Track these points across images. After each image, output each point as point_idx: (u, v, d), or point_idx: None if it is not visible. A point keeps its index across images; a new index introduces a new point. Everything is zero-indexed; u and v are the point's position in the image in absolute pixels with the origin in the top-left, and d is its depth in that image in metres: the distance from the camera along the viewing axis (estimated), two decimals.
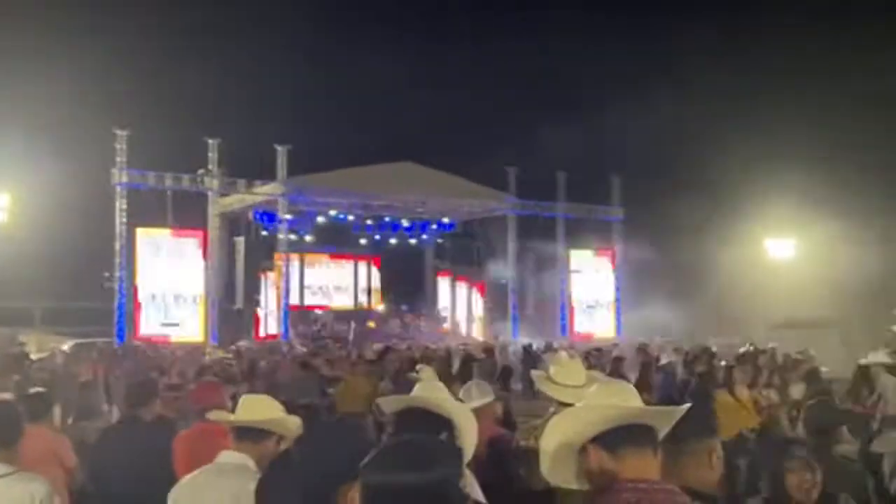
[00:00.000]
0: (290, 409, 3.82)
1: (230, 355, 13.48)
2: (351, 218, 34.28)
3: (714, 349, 16.62)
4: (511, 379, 16.97)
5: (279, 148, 29.05)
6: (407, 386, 4.34)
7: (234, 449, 3.52)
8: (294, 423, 3.62)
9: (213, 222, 28.46)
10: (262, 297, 32.64)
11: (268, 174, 29.40)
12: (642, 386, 10.27)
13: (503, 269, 34.42)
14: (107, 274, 32.43)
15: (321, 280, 36.92)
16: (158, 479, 4.85)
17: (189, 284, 27.93)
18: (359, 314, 34.73)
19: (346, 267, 37.86)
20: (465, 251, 37.46)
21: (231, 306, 31.88)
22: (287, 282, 30.20)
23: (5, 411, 4.25)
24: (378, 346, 21.22)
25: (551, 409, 4.49)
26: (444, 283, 38.12)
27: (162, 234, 27.94)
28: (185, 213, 28.14)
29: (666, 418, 2.39)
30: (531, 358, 20.62)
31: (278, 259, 30.27)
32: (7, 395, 8.22)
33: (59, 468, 5.21)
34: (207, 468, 3.54)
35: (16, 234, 29.10)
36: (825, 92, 36.48)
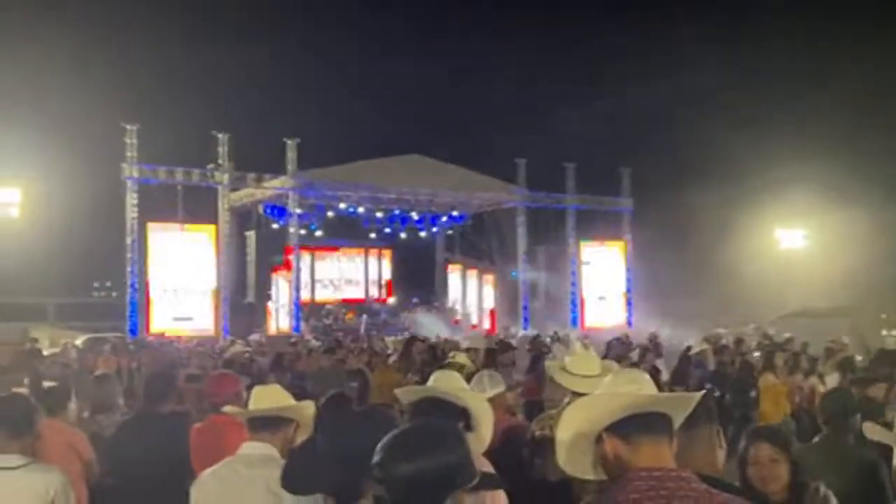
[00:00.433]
0: (321, 399, 3.84)
1: (250, 348, 13.54)
2: (361, 211, 34.28)
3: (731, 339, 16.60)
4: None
5: (289, 142, 29.11)
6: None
7: (252, 440, 3.54)
8: (308, 409, 3.65)
9: (224, 216, 28.52)
10: (273, 291, 32.72)
11: (278, 168, 29.47)
12: (678, 378, 10.17)
13: (513, 261, 34.43)
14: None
15: (332, 273, 36.96)
16: (176, 472, 4.90)
17: (200, 279, 28.01)
18: (370, 307, 34.76)
19: (357, 260, 37.88)
20: (476, 243, 37.45)
21: (242, 300, 31.96)
22: (298, 275, 30.26)
23: (19, 403, 4.29)
24: (395, 338, 21.25)
25: (566, 400, 4.50)
26: (454, 276, 38.13)
27: (173, 229, 28.01)
28: (195, 208, 28.22)
29: (681, 405, 2.39)
30: (538, 348, 20.57)
31: (289, 253, 30.32)
32: (23, 390, 8.29)
33: (77, 462, 5.25)
34: (231, 460, 3.55)
35: (28, 230, 29.28)
36: (836, 82, 36.34)
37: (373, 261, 37.92)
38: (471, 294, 37.23)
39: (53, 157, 29.35)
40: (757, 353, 13.03)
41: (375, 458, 1.96)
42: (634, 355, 10.41)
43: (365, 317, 31.81)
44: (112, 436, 5.85)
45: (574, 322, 33.38)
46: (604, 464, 2.38)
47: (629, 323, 33.61)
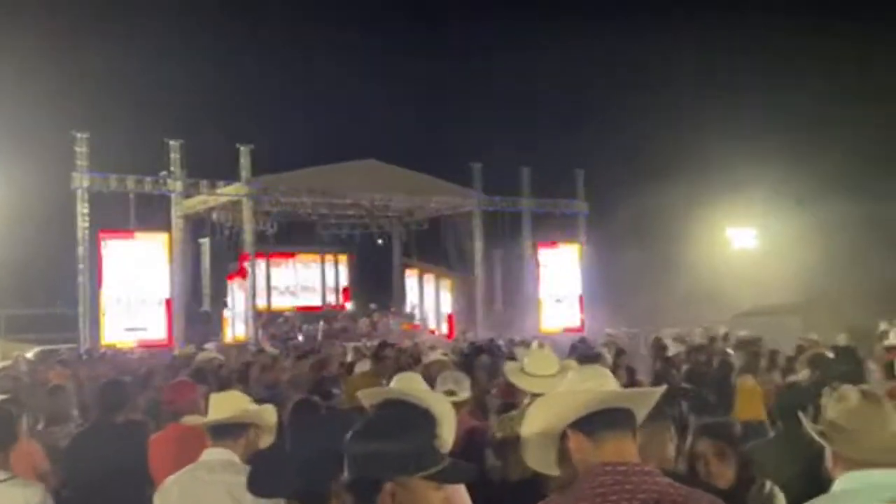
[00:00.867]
0: (290, 405, 3.83)
1: (221, 356, 13.36)
2: (316, 217, 34.14)
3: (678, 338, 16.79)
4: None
5: (242, 148, 28.86)
6: None
7: (214, 446, 3.52)
8: (268, 413, 3.64)
9: (178, 224, 28.18)
10: (229, 299, 32.41)
11: (231, 175, 29.20)
12: (659, 380, 10.05)
13: (470, 265, 34.50)
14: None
15: (288, 280, 36.76)
16: (134, 482, 4.85)
17: (154, 288, 27.62)
18: (327, 314, 34.61)
19: (313, 266, 37.71)
20: (433, 248, 37.46)
21: (198, 309, 31.60)
22: (254, 283, 30.01)
23: (1, 415, 4.24)
24: (354, 344, 21.15)
25: (525, 401, 4.53)
26: (411, 281, 38.11)
27: (125, 238, 27.61)
28: (148, 216, 27.83)
29: (644, 400, 2.43)
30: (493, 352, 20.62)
31: (244, 260, 30.06)
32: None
33: (31, 474, 5.17)
34: (193, 467, 3.54)
35: None
36: (787, 84, 37.02)
37: (329, 267, 37.78)
38: (428, 299, 37.24)
39: (2, 165, 28.72)
40: (730, 351, 13.01)
41: (350, 444, 2.07)
42: (608, 355, 10.36)
43: (322, 323, 31.66)
44: (67, 447, 5.77)
45: (533, 325, 33.52)
46: (568, 460, 2.41)
47: (584, 326, 33.83)
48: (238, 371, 10.98)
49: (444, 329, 35.38)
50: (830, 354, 9.45)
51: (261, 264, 32.64)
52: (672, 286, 31.37)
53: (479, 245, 34.17)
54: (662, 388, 2.48)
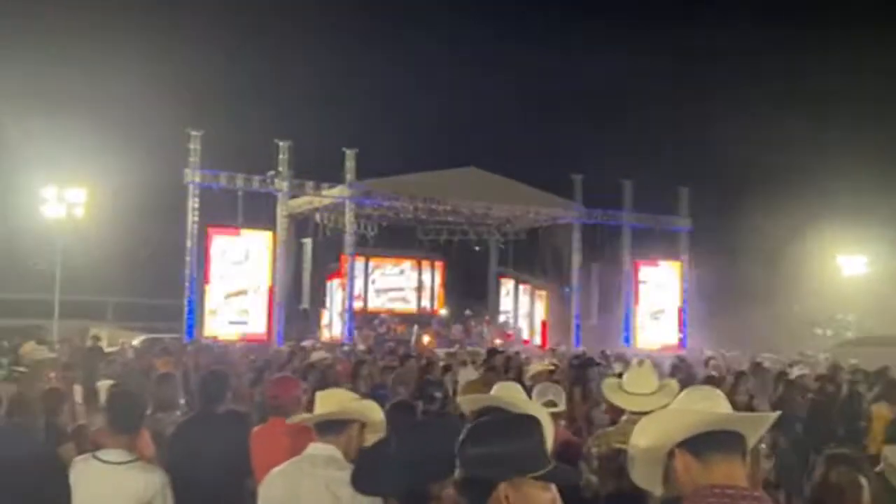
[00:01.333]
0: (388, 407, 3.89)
1: (330, 355, 13.63)
2: (416, 222, 34.45)
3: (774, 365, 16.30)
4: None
5: (347, 151, 29.39)
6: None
7: (319, 441, 3.59)
8: (370, 410, 3.69)
9: (282, 223, 28.86)
10: (327, 299, 32.95)
11: (336, 177, 29.76)
12: (781, 405, 9.55)
13: (567, 278, 34.24)
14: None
15: (385, 283, 37.14)
16: (234, 472, 4.98)
17: (257, 284, 28.33)
18: (421, 318, 34.81)
19: (410, 270, 38.01)
20: (529, 258, 37.32)
21: (297, 306, 32.22)
22: (352, 284, 30.47)
23: (130, 400, 4.41)
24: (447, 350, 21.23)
25: (623, 418, 4.50)
26: (506, 290, 38.05)
27: (232, 234, 28.41)
28: (254, 214, 28.61)
29: (755, 425, 2.38)
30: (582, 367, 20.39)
31: (343, 261, 30.57)
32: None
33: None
34: (297, 459, 3.62)
35: (91, 230, 29.96)
36: None
37: (425, 271, 38.02)
38: (522, 309, 37.11)
39: (118, 159, 29.97)
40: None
41: (463, 447, 2.12)
42: (727, 378, 9.91)
43: (416, 327, 31.88)
44: (171, 434, 5.96)
45: (626, 341, 33.06)
46: (675, 479, 2.38)
47: (683, 344, 33.18)
48: (350, 370, 11.06)
49: (538, 340, 35.20)
50: None
51: (360, 266, 33.10)
52: (774, 310, 30.51)
53: (576, 258, 33.88)
54: (776, 415, 2.43)
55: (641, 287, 34.54)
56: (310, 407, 4.09)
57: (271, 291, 28.41)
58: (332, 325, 31.72)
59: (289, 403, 4.92)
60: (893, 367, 13.37)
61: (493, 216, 34.57)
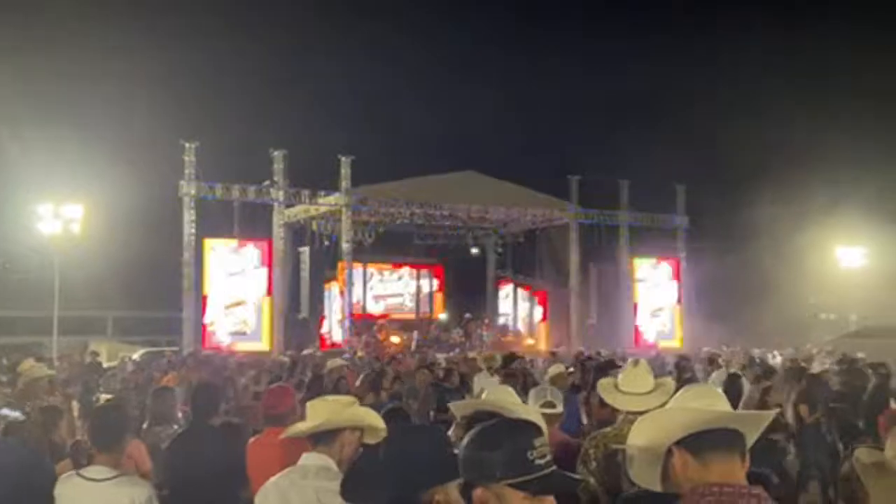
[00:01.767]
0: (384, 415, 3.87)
1: (346, 363, 13.54)
2: (413, 228, 34.44)
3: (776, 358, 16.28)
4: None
5: (343, 158, 29.39)
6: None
7: (312, 451, 3.58)
8: (365, 413, 3.67)
9: (279, 233, 28.86)
10: (325, 307, 32.92)
11: (331, 184, 29.74)
12: (805, 398, 9.43)
13: (565, 278, 34.22)
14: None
15: (383, 289, 37.11)
16: (230, 484, 4.97)
17: (255, 294, 28.32)
18: (421, 323, 34.80)
19: (408, 276, 37.98)
20: (527, 260, 37.33)
21: (296, 316, 32.20)
22: (350, 291, 30.44)
23: (107, 416, 4.40)
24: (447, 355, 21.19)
25: (620, 417, 4.48)
26: (504, 292, 38.04)
27: (229, 245, 28.38)
28: (251, 224, 28.61)
29: (754, 423, 2.37)
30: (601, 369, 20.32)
31: (341, 268, 30.54)
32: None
33: (134, 472, 5.34)
34: (291, 470, 3.62)
35: (89, 245, 29.94)
36: None
37: (423, 276, 38.00)
38: (521, 311, 37.08)
39: (114, 173, 30.02)
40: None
41: (463, 449, 2.17)
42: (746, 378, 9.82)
43: (416, 332, 31.84)
44: (166, 448, 5.96)
45: (626, 340, 33.03)
46: (673, 478, 2.37)
47: (682, 341, 33.15)
48: (370, 380, 10.90)
49: (537, 340, 35.15)
50: None
51: (357, 273, 33.08)
52: (774, 304, 30.46)
53: (574, 258, 33.87)
54: (774, 413, 2.43)
55: (640, 285, 34.55)
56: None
57: (271, 301, 28.39)
58: (332, 332, 31.69)
59: (285, 413, 4.91)
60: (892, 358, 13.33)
61: (491, 219, 34.57)
